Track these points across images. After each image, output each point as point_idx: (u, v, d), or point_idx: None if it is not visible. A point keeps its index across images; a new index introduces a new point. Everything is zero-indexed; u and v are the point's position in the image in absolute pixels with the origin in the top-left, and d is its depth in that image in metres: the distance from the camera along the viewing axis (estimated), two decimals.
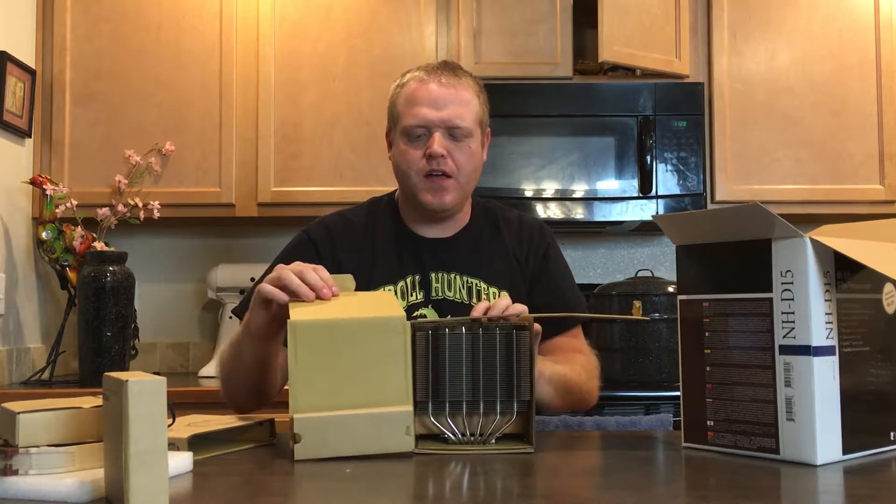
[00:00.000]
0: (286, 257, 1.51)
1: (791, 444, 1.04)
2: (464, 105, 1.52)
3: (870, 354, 1.10)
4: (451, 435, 1.15)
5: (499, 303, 1.23)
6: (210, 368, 2.69)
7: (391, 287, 1.52)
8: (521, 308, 1.22)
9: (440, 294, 1.53)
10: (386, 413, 1.10)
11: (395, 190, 1.66)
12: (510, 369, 1.14)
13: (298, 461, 1.06)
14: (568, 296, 1.61)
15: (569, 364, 1.47)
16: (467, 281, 1.54)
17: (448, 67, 1.56)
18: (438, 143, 1.49)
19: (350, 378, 1.10)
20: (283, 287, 1.19)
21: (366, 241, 1.57)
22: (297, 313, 1.12)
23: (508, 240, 1.61)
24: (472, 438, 1.15)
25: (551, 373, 1.40)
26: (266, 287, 1.22)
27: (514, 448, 1.13)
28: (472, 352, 1.15)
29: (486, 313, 1.20)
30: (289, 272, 1.20)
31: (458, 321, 1.18)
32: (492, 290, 1.55)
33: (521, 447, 1.13)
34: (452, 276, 1.54)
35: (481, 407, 1.15)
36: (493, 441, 1.15)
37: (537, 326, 1.24)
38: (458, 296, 1.53)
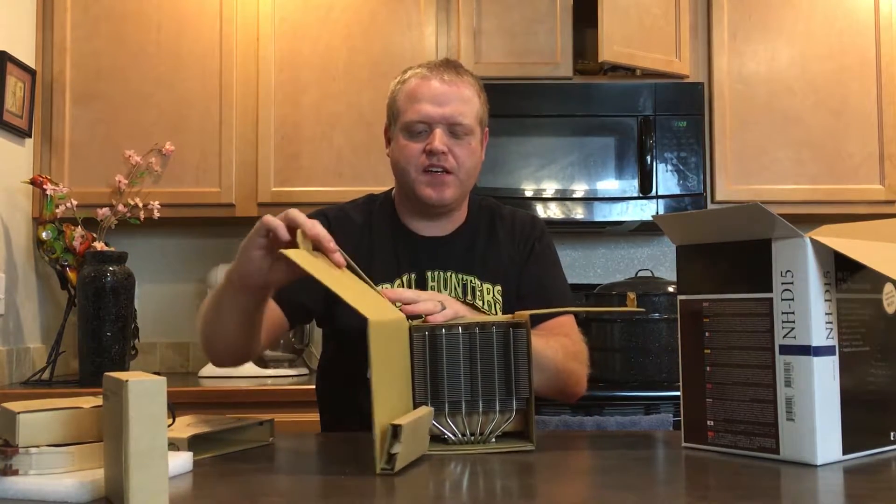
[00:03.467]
0: None
1: (791, 444, 1.04)
2: (465, 103, 1.52)
3: (870, 354, 1.10)
4: (450, 435, 1.15)
5: (404, 294, 1.24)
6: (210, 368, 2.69)
7: (388, 285, 1.52)
8: (448, 315, 1.23)
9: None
10: (430, 413, 1.11)
11: (392, 188, 1.66)
12: (508, 367, 1.14)
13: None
14: (550, 289, 1.59)
15: (544, 339, 1.40)
16: (462, 278, 1.54)
17: (450, 65, 1.56)
18: (440, 139, 1.49)
19: (401, 379, 1.10)
20: (289, 224, 1.15)
21: (363, 239, 1.56)
22: (367, 310, 1.03)
23: (502, 236, 1.61)
24: (472, 438, 1.15)
25: None
26: (270, 218, 1.15)
27: (515, 446, 1.13)
28: (470, 351, 1.15)
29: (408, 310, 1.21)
30: (294, 212, 1.15)
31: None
32: (485, 286, 1.55)
33: (521, 445, 1.13)
34: (448, 274, 1.54)
35: (480, 406, 1.15)
36: (493, 440, 1.15)
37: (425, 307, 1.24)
38: (453, 294, 1.53)
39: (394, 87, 1.59)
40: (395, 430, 0.97)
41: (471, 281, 1.55)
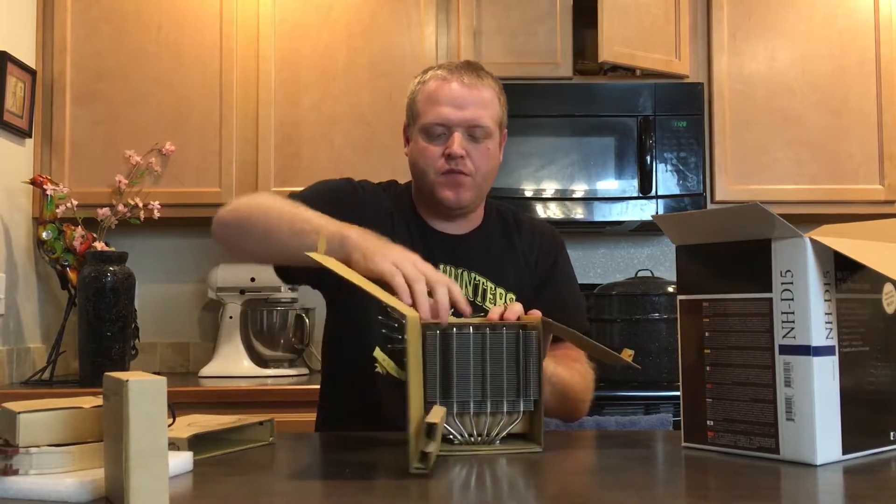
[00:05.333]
0: (325, 193, 1.49)
1: (791, 444, 1.04)
2: (484, 106, 1.52)
3: (870, 354, 1.10)
4: (457, 435, 1.15)
5: (513, 307, 1.22)
6: (210, 368, 2.69)
7: None
8: (535, 315, 1.22)
9: None
10: (445, 414, 1.11)
11: (410, 181, 1.67)
12: (518, 369, 1.14)
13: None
14: (570, 308, 1.60)
15: (569, 370, 1.46)
16: (475, 278, 1.54)
17: (471, 67, 1.56)
18: (458, 143, 1.49)
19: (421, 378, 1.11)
20: (410, 289, 1.12)
21: (385, 223, 1.54)
22: (406, 308, 1.05)
23: (519, 243, 1.62)
24: (478, 439, 1.15)
25: (552, 373, 1.39)
26: (397, 275, 1.12)
27: (522, 448, 1.13)
28: (481, 352, 1.14)
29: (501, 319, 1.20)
30: (420, 278, 1.13)
31: (467, 322, 1.17)
32: (498, 290, 1.55)
33: (528, 447, 1.13)
34: (460, 271, 1.54)
35: (489, 407, 1.14)
36: (499, 441, 1.15)
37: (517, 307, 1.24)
38: (463, 292, 1.53)
39: (413, 87, 1.58)
40: (430, 429, 0.96)
41: (483, 282, 1.55)
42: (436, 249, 1.55)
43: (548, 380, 1.37)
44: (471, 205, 1.56)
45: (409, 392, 0.99)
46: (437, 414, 1.03)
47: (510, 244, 1.61)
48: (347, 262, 1.18)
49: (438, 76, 1.54)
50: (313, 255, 1.12)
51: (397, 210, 1.60)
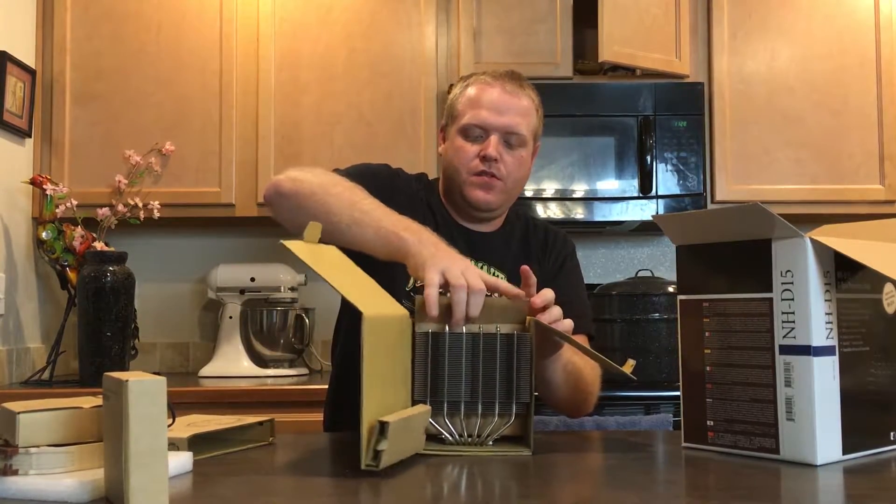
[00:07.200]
0: (364, 176, 1.48)
1: (791, 444, 1.04)
2: (523, 115, 1.57)
3: (870, 354, 1.10)
4: (448, 435, 1.15)
5: (554, 310, 1.23)
6: (210, 368, 2.69)
7: None
8: (569, 325, 1.25)
9: None
10: (425, 412, 1.11)
11: (437, 178, 1.69)
12: (510, 371, 1.14)
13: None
14: (575, 308, 1.60)
15: (582, 359, 1.47)
16: (494, 273, 1.57)
17: (514, 77, 1.60)
18: (494, 146, 1.53)
19: (399, 376, 1.10)
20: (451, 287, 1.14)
21: (417, 213, 1.55)
22: (364, 305, 1.02)
23: (533, 244, 1.66)
24: (469, 440, 1.15)
25: (568, 359, 1.40)
26: (431, 286, 1.13)
27: (512, 450, 1.13)
28: (472, 353, 1.15)
29: (539, 306, 1.21)
30: (462, 285, 1.14)
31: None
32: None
33: (518, 449, 1.13)
34: (480, 265, 1.56)
35: (479, 408, 1.15)
36: (491, 443, 1.15)
37: (568, 323, 1.26)
38: None
39: (455, 89, 1.63)
40: (383, 427, 0.96)
41: (501, 277, 1.56)
42: (458, 242, 1.57)
43: (563, 367, 1.39)
44: (498, 209, 1.61)
45: (363, 389, 0.98)
46: (402, 412, 1.03)
47: (526, 246, 1.65)
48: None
49: (482, 81, 1.59)
50: (287, 243, 1.10)
51: (428, 200, 1.63)
